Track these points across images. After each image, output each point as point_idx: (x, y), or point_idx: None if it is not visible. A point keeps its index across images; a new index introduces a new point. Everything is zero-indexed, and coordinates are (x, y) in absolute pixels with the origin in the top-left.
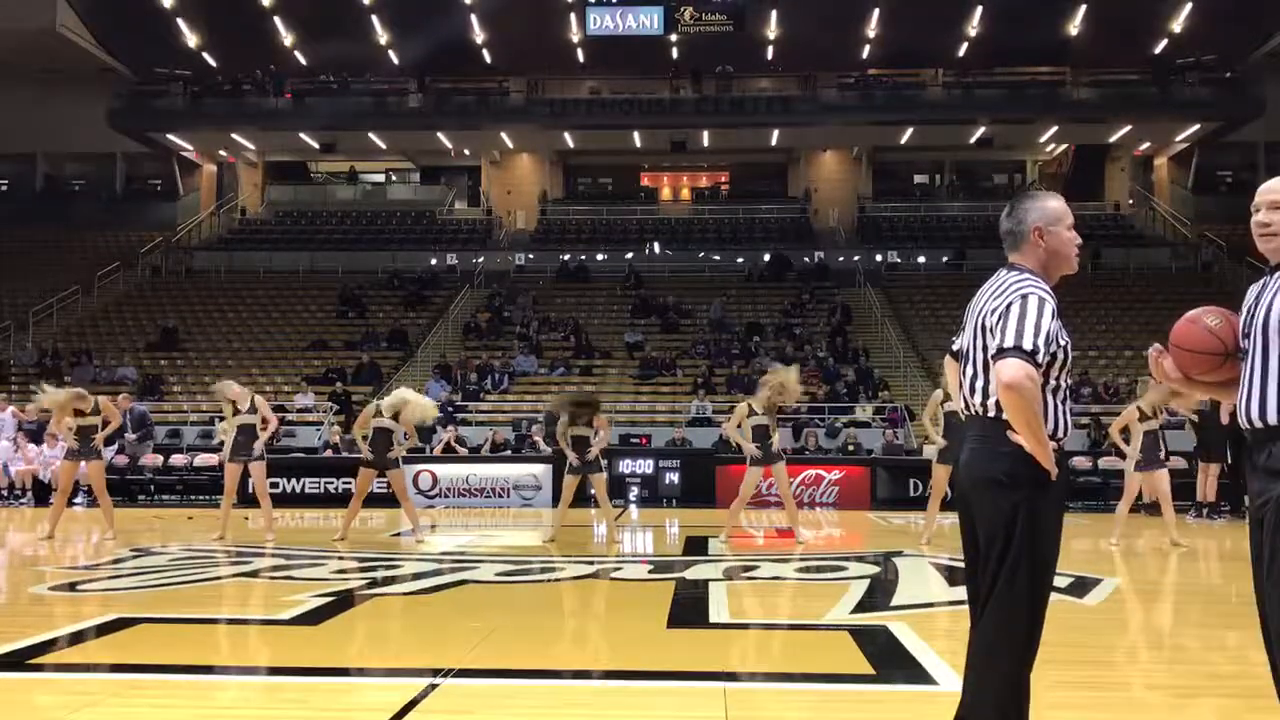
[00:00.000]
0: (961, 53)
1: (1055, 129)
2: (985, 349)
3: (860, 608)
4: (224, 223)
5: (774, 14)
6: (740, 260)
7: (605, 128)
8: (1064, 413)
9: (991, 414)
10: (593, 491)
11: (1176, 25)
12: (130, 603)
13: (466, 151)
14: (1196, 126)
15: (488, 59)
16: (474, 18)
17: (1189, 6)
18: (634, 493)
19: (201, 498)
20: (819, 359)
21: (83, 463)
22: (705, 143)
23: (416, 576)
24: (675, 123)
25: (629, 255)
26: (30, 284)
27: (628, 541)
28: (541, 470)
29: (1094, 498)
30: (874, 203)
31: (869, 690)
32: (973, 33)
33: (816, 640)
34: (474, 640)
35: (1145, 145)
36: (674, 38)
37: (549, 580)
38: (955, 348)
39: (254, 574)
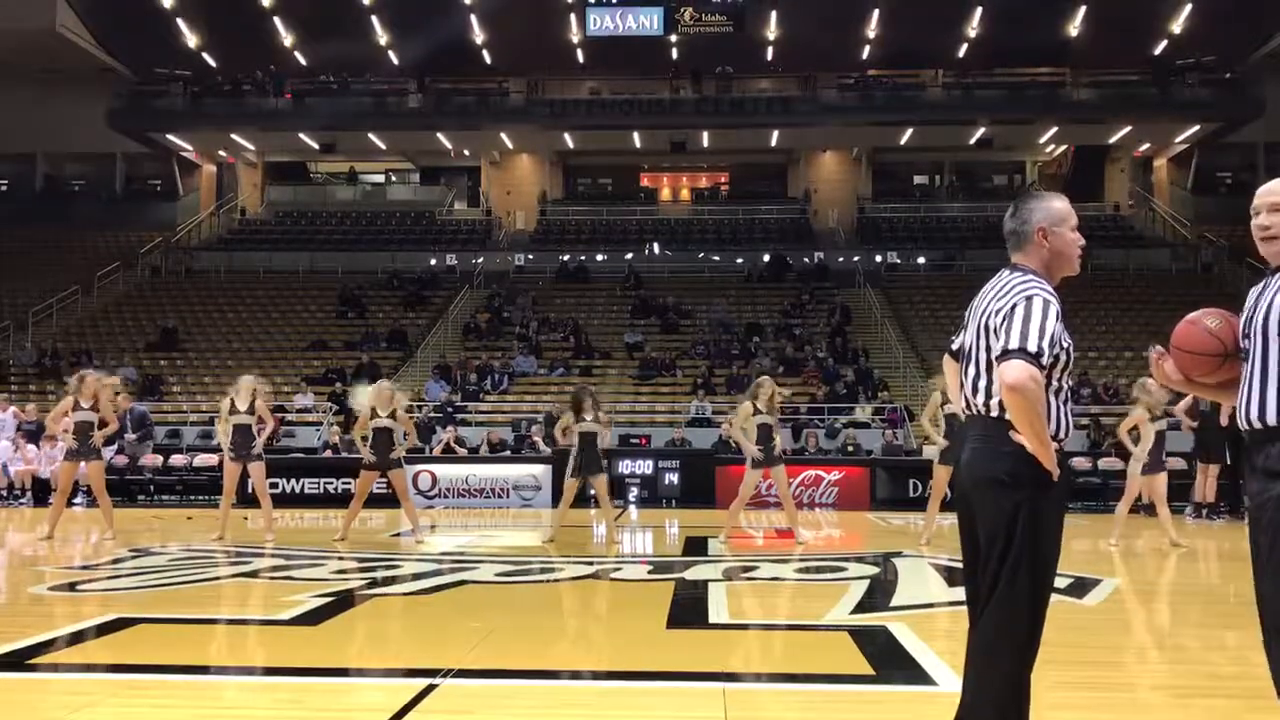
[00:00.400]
0: (961, 53)
1: (1055, 130)
2: (988, 349)
3: (860, 608)
4: (224, 223)
5: (774, 14)
6: (740, 261)
7: (605, 128)
8: (1065, 414)
9: (994, 414)
10: (593, 492)
11: (1176, 26)
12: (130, 603)
13: (466, 152)
14: (1196, 127)
15: (487, 59)
16: (474, 18)
17: (1189, 7)
18: (633, 493)
19: (201, 498)
20: (818, 359)
21: (82, 463)
22: (705, 143)
23: (416, 577)
24: (675, 123)
25: (629, 256)
26: (30, 284)
27: (627, 542)
28: (541, 471)
29: (1094, 498)
30: (874, 203)
31: (868, 691)
32: (972, 33)
33: (816, 641)
34: (473, 641)
35: (1145, 146)
36: (674, 38)
37: (549, 581)
38: (954, 348)
39: (253, 574)
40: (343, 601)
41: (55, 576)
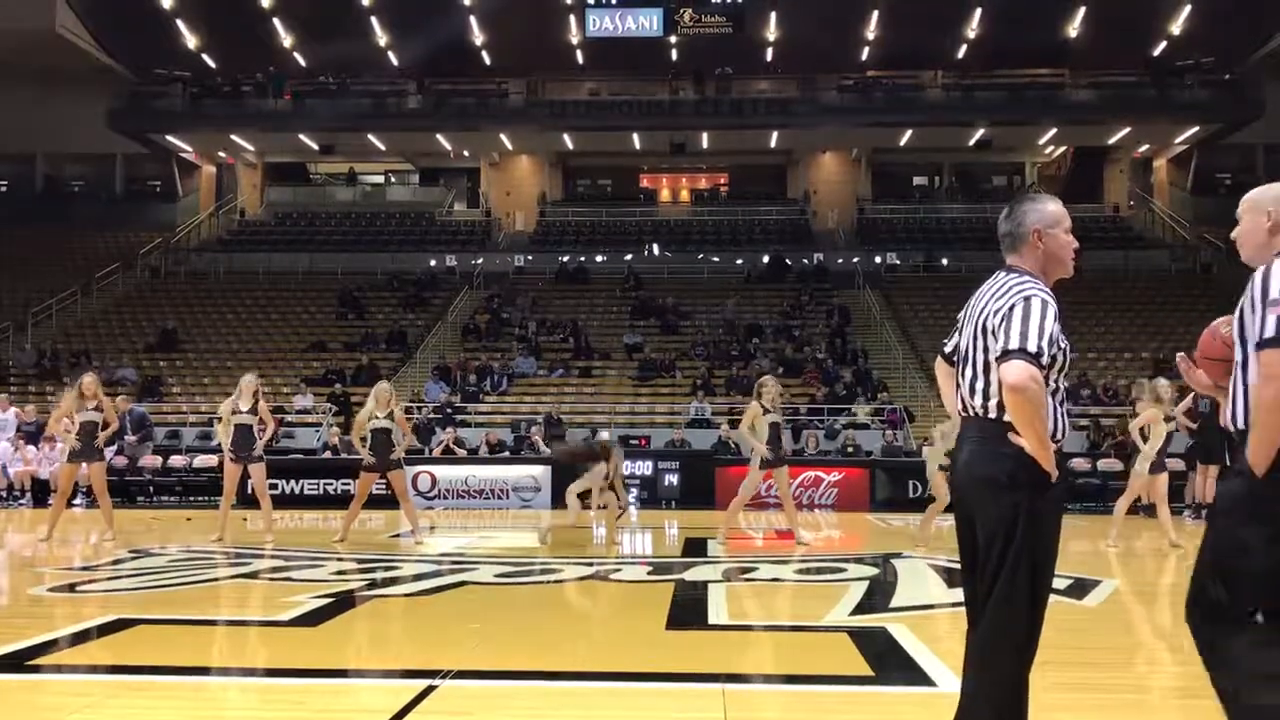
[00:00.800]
0: (960, 54)
1: (1054, 131)
2: (986, 350)
3: (859, 609)
4: (223, 224)
5: (773, 16)
6: (739, 262)
7: (604, 129)
8: (1062, 414)
9: (992, 415)
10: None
11: (1175, 27)
12: (129, 604)
13: (466, 153)
14: (1195, 128)
15: (487, 60)
16: (473, 19)
17: (1188, 9)
18: (633, 494)
19: (200, 499)
20: (818, 360)
21: (84, 465)
22: (704, 144)
23: (416, 578)
24: (674, 124)
25: (628, 257)
26: (29, 285)
27: (627, 543)
28: (540, 472)
29: (1092, 499)
30: (873, 204)
31: (868, 691)
32: (972, 34)
33: (815, 642)
34: (473, 642)
35: (1144, 147)
36: (673, 39)
37: (548, 582)
38: (948, 350)
39: (253, 575)
40: (342, 603)
41: (55, 577)
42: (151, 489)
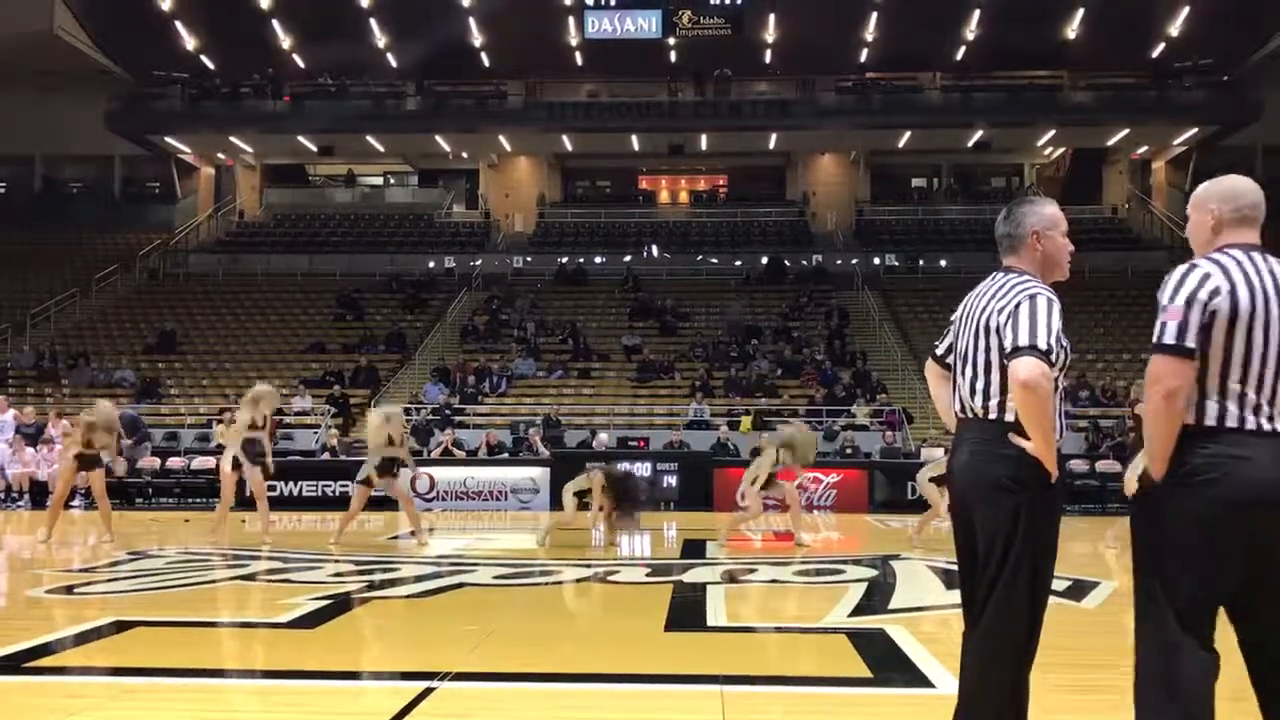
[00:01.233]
0: (959, 56)
1: (1053, 132)
2: (988, 350)
3: (858, 611)
4: (222, 225)
5: (772, 17)
6: (738, 263)
7: (603, 131)
8: (1061, 413)
9: (992, 416)
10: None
11: (1174, 29)
12: (127, 606)
13: (465, 154)
14: (1194, 130)
15: (486, 62)
16: (472, 21)
17: (1186, 10)
18: None
19: (199, 500)
20: (816, 362)
21: (82, 469)
22: (703, 146)
23: (414, 580)
24: (673, 126)
25: (627, 258)
26: (28, 286)
27: (626, 545)
28: (539, 473)
29: (1091, 501)
30: (872, 206)
31: (866, 693)
32: (970, 36)
33: (814, 643)
34: (471, 643)
35: (1143, 149)
36: (672, 41)
37: (547, 583)
38: (939, 352)
39: (251, 577)
40: (341, 604)
41: (53, 579)
42: (150, 490)
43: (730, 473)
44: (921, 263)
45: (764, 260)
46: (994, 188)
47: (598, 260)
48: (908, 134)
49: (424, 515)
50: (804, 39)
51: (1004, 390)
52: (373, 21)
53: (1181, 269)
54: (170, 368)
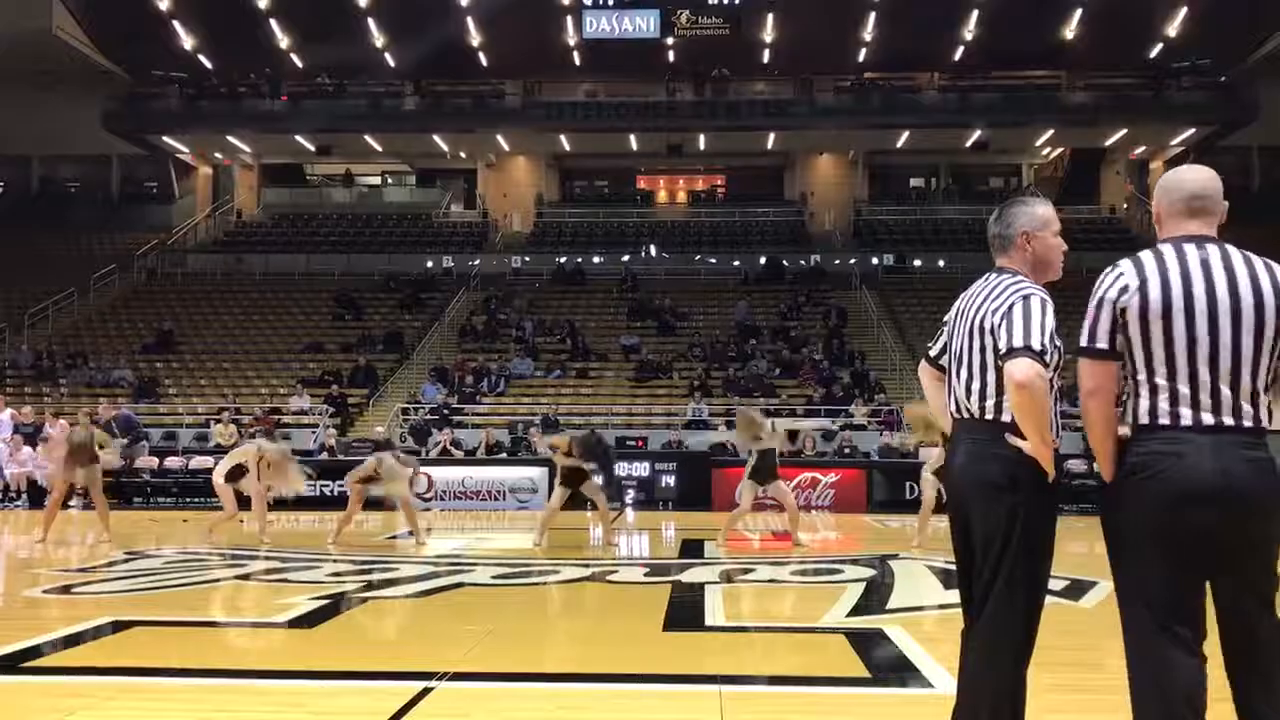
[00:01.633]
0: (957, 56)
1: (1051, 133)
2: (983, 350)
3: (856, 611)
4: (220, 225)
5: (770, 17)
6: (736, 263)
7: (601, 130)
8: (1057, 413)
9: (989, 416)
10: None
11: (1171, 29)
12: (125, 605)
13: (462, 154)
14: (1192, 130)
15: (484, 62)
16: (470, 21)
17: (1184, 11)
18: (630, 495)
19: (197, 500)
20: (815, 362)
21: (80, 469)
22: (701, 146)
23: (412, 579)
24: (671, 126)
25: (625, 258)
26: (26, 286)
27: (624, 545)
28: (538, 473)
29: (1089, 500)
30: (870, 206)
31: (865, 693)
32: (968, 36)
33: (812, 643)
34: (470, 643)
35: (1141, 149)
36: (670, 41)
37: (545, 583)
38: (933, 354)
39: (249, 577)
40: (339, 604)
41: (50, 579)
42: (148, 490)
43: (728, 472)
44: (919, 263)
45: (762, 260)
46: (992, 188)
47: (596, 260)
48: (906, 134)
49: (422, 515)
50: (802, 39)
51: (999, 391)
52: (370, 21)
53: (1106, 270)
54: (168, 367)
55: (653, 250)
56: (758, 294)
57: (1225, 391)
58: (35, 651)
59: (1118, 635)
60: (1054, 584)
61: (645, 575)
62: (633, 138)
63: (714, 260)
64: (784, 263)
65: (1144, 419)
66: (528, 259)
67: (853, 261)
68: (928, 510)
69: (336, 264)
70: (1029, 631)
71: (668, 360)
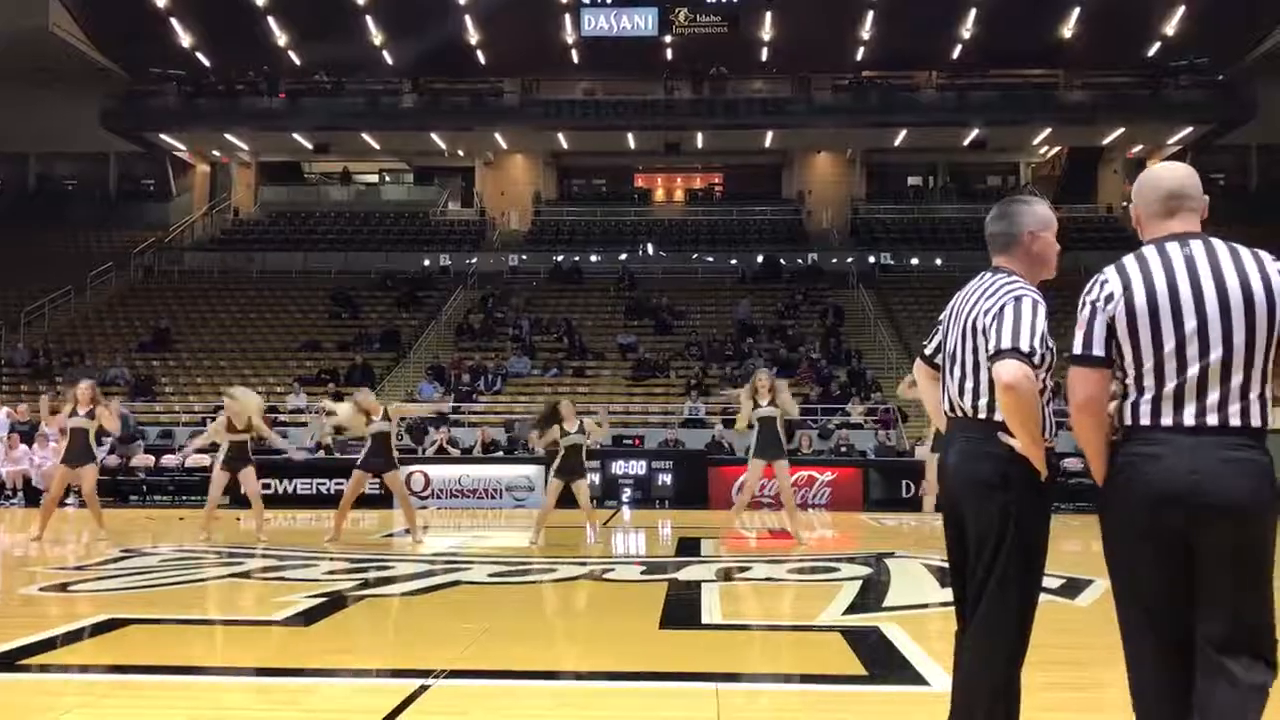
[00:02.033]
0: (955, 55)
1: (1048, 131)
2: (975, 350)
3: (852, 609)
4: (217, 223)
5: (768, 16)
6: (734, 262)
7: (599, 129)
8: (1050, 413)
9: (981, 415)
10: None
11: (1169, 28)
12: (121, 603)
13: (460, 152)
14: (1189, 129)
15: (482, 60)
16: (468, 19)
17: (1181, 10)
18: (626, 494)
19: (194, 498)
20: (812, 360)
21: (79, 468)
22: (699, 144)
23: (409, 577)
24: (669, 124)
25: (622, 256)
26: (23, 284)
27: (620, 543)
28: (534, 471)
29: (1086, 499)
30: (867, 204)
31: (861, 691)
32: (966, 35)
33: (809, 641)
34: (466, 641)
35: (1138, 148)
36: (668, 39)
37: (541, 581)
38: (928, 352)
39: (246, 575)
40: (335, 602)
41: (47, 577)
42: (144, 488)
43: (725, 471)
44: (917, 261)
45: (759, 258)
46: (990, 186)
47: (593, 258)
48: (903, 132)
49: (419, 513)
50: (800, 37)
51: (992, 390)
52: (368, 19)
53: (1091, 280)
54: (165, 365)
55: (650, 249)
56: (755, 292)
57: (1213, 391)
58: (32, 649)
59: (1114, 634)
60: (1050, 582)
61: (642, 573)
62: (630, 136)
63: (711, 259)
64: (781, 261)
65: (1129, 420)
66: (525, 257)
67: (850, 260)
68: (932, 484)
69: (334, 262)
70: (1023, 630)
71: (665, 359)
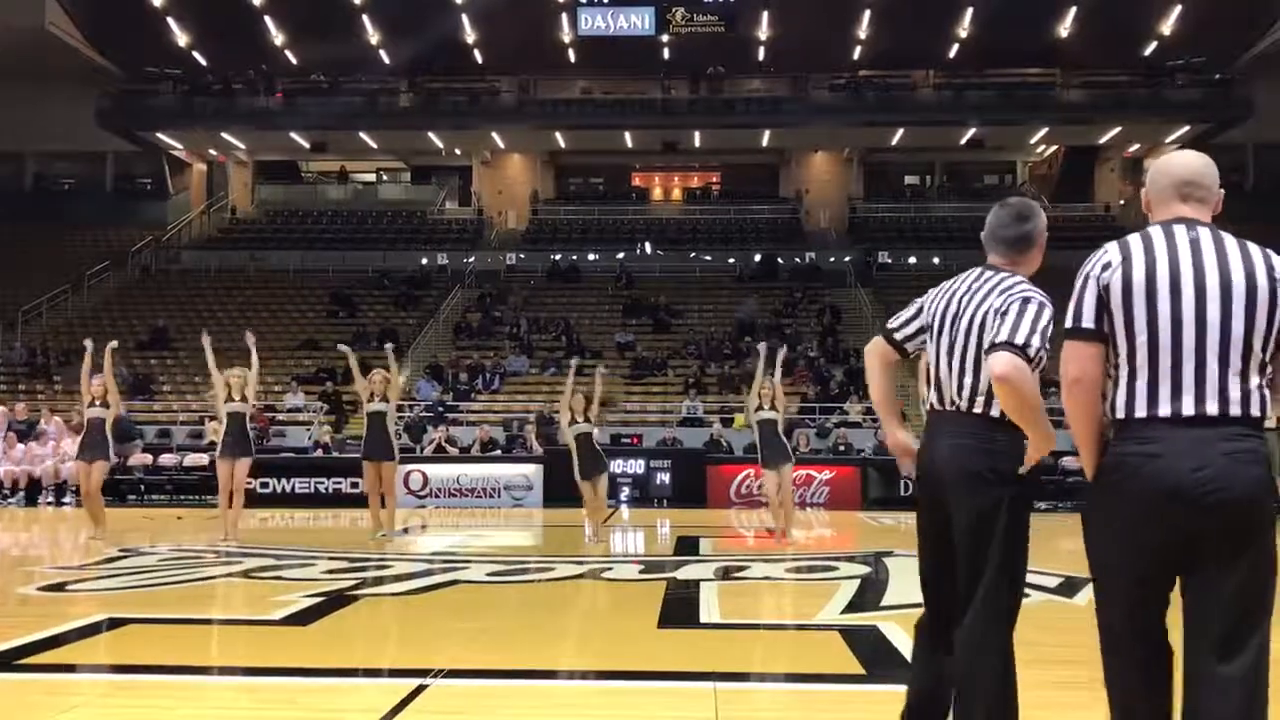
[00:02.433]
0: (952, 54)
1: (1045, 130)
2: (979, 346)
3: (850, 608)
4: (214, 222)
5: (765, 15)
6: (731, 260)
7: (597, 128)
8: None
9: (978, 410)
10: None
11: (1166, 28)
12: (119, 603)
13: (458, 151)
14: (1186, 128)
15: (479, 59)
16: (465, 18)
17: (1178, 9)
18: (625, 493)
19: (191, 498)
20: (810, 359)
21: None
22: (696, 143)
23: (407, 577)
24: (667, 123)
25: (620, 255)
26: (20, 283)
27: (619, 541)
28: (533, 470)
29: (1084, 497)
30: (864, 203)
31: (859, 690)
32: (963, 34)
33: (807, 640)
34: (464, 640)
35: (1135, 147)
36: (665, 38)
37: (540, 580)
38: (898, 336)
39: (244, 574)
40: (333, 601)
41: (45, 576)
42: (142, 488)
43: (723, 470)
44: (914, 260)
45: (757, 257)
46: (986, 185)
47: (591, 257)
48: (901, 131)
49: (418, 512)
50: (797, 36)
51: (991, 385)
52: (365, 18)
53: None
54: (163, 364)
55: (648, 247)
56: (753, 291)
57: (1211, 378)
58: (30, 649)
59: None
60: (1048, 581)
61: (640, 572)
62: (628, 135)
63: (709, 257)
64: (779, 260)
65: (1120, 412)
66: (523, 256)
67: (847, 259)
68: None
69: (331, 261)
70: (1013, 622)
71: (663, 357)
